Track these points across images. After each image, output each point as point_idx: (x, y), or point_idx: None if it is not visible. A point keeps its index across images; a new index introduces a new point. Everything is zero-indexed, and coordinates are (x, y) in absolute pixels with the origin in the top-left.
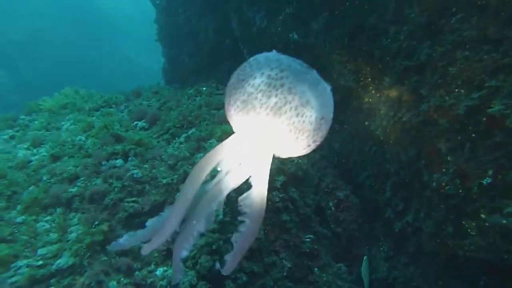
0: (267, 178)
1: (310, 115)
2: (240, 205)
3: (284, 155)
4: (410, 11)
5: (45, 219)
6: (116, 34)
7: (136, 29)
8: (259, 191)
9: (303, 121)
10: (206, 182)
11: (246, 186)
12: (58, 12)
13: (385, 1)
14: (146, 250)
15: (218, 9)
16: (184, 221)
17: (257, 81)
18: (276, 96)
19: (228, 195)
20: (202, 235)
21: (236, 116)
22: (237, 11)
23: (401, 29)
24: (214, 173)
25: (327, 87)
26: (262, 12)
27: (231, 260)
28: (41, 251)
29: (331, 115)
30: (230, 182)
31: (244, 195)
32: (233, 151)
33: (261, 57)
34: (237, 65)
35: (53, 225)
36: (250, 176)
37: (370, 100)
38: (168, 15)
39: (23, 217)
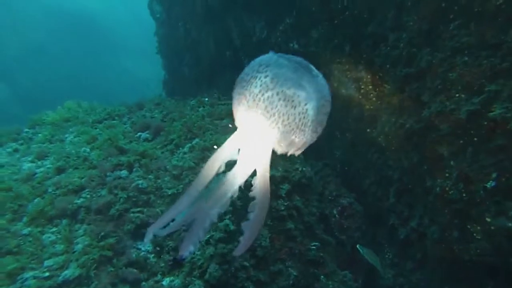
0: (268, 167)
1: (293, 105)
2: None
3: (278, 141)
4: (409, 19)
5: (51, 230)
6: (116, 47)
7: (136, 42)
8: (262, 180)
9: (287, 111)
10: (218, 175)
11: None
12: (57, 25)
13: (384, 9)
14: (149, 231)
15: (218, 21)
16: (192, 216)
17: (249, 76)
18: (260, 85)
19: (234, 205)
20: (209, 239)
21: (236, 106)
22: (237, 22)
23: (401, 37)
24: (225, 167)
25: (318, 77)
26: (262, 22)
27: (243, 244)
28: (47, 263)
29: (320, 103)
30: (239, 172)
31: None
32: (238, 144)
33: (258, 59)
34: (238, 76)
35: (59, 236)
36: (256, 167)
37: (371, 107)
38: (168, 28)
39: (29, 229)
